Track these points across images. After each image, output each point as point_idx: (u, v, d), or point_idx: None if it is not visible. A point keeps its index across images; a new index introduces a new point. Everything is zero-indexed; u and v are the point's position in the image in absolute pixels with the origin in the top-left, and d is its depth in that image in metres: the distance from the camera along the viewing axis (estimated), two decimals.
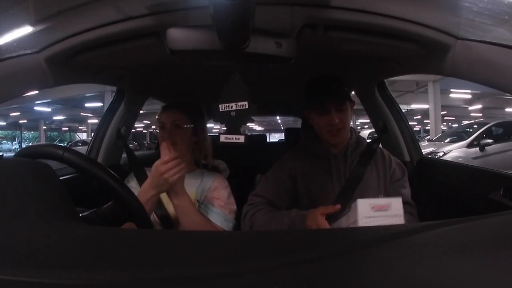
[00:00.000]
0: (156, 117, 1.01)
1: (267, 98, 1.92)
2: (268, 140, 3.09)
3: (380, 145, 1.12)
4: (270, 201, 0.90)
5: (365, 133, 8.53)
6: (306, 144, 1.00)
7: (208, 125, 1.30)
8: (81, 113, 16.32)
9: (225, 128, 0.59)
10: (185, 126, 0.97)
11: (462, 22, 0.71)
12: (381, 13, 0.68)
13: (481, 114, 13.50)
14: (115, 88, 1.38)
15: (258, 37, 0.60)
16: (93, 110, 15.25)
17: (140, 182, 0.94)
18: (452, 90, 11.83)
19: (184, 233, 0.70)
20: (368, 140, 1.04)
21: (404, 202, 0.91)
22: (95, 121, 15.56)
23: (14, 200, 0.41)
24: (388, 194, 0.93)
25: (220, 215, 0.90)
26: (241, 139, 0.59)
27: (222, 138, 0.59)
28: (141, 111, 1.55)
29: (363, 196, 0.84)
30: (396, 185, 0.95)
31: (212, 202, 0.92)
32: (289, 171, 0.93)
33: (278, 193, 0.92)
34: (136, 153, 1.49)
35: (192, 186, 0.95)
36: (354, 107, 0.94)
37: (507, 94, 1.60)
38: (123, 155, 1.45)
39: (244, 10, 0.47)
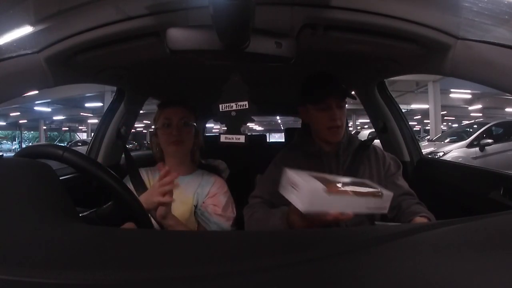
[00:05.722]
0: (157, 114, 0.98)
1: (267, 98, 1.92)
2: (268, 140, 3.11)
3: (380, 145, 1.11)
4: (267, 200, 0.89)
5: (365, 133, 8.53)
6: (298, 142, 0.98)
7: (208, 125, 1.30)
8: (81, 113, 16.33)
9: (225, 128, 0.59)
10: (193, 124, 0.96)
11: (462, 22, 0.71)
12: (381, 13, 0.68)
13: (481, 114, 13.49)
14: (115, 88, 1.38)
15: (258, 37, 0.60)
16: (93, 110, 15.27)
17: (134, 184, 0.92)
18: (452, 90, 11.83)
19: (184, 233, 0.70)
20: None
21: (404, 194, 0.90)
22: (95, 121, 15.56)
23: (14, 200, 0.41)
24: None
25: (217, 225, 0.89)
26: (241, 139, 0.59)
27: (222, 138, 0.59)
28: (141, 111, 1.55)
29: None
30: (390, 179, 0.94)
31: (209, 209, 0.91)
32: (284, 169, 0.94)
33: (273, 191, 0.91)
34: (135, 153, 1.49)
35: (190, 190, 0.93)
36: (354, 107, 0.94)
37: (507, 94, 1.60)
38: (123, 155, 1.45)
39: (244, 10, 0.47)
